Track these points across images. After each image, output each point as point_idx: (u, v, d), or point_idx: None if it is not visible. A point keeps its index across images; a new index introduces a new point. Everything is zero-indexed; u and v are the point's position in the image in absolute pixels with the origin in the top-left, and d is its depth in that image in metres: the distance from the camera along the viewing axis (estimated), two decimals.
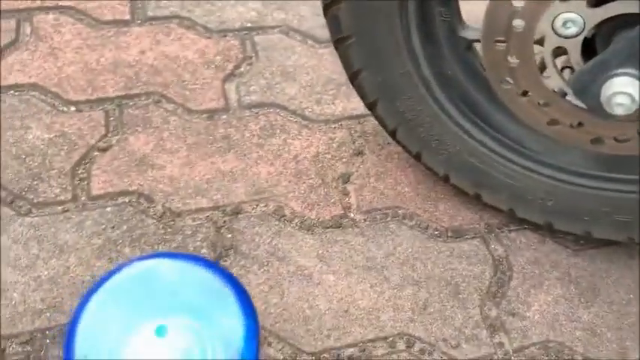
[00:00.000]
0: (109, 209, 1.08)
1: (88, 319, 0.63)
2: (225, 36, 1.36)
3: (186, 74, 1.28)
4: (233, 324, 0.63)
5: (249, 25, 1.39)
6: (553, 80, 0.87)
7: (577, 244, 1.10)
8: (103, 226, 1.05)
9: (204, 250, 1.04)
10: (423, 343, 0.97)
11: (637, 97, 0.76)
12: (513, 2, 0.80)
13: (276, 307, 0.99)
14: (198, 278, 0.66)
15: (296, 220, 1.10)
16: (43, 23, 1.34)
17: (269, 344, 0.94)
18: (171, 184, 1.12)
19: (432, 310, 1.01)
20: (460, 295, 1.03)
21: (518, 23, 0.81)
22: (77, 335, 0.61)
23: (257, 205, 1.11)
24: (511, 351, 0.98)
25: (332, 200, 1.13)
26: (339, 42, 0.97)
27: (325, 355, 0.95)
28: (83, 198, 1.08)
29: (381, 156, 1.20)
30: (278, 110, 1.25)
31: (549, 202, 1.04)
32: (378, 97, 1.02)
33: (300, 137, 1.21)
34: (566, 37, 0.80)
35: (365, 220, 1.11)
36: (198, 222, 1.08)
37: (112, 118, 1.20)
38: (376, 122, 1.09)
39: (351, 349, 0.96)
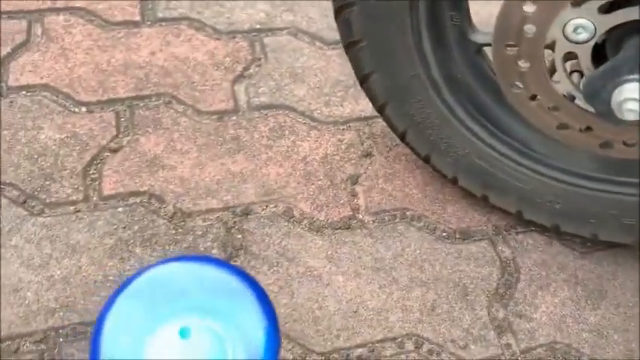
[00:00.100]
0: (120, 209, 1.09)
1: (113, 321, 0.64)
2: (235, 37, 1.37)
3: (196, 75, 1.29)
4: (253, 326, 0.64)
5: (258, 26, 1.40)
6: (562, 85, 0.88)
7: (584, 246, 1.11)
8: (115, 226, 1.06)
9: (214, 251, 1.05)
10: (432, 344, 0.98)
11: None
12: (524, 7, 0.81)
13: (285, 308, 1.00)
14: (218, 280, 0.67)
15: (305, 221, 1.11)
16: (54, 24, 1.35)
17: None
18: (182, 185, 1.13)
19: (440, 311, 1.02)
20: (468, 297, 1.04)
21: (529, 28, 0.82)
22: (103, 336, 0.62)
23: (267, 206, 1.12)
24: (518, 352, 0.99)
25: (341, 201, 1.14)
26: (349, 45, 0.98)
27: (335, 355, 0.96)
28: (95, 198, 1.10)
29: (390, 158, 1.21)
30: (287, 112, 1.26)
31: (557, 205, 1.05)
32: (388, 100, 1.03)
33: (308, 139, 1.22)
34: (577, 43, 0.81)
35: (373, 221, 1.12)
36: (209, 222, 1.09)
37: (122, 119, 1.21)
38: (384, 124, 1.10)
39: (361, 350, 0.97)
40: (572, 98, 0.90)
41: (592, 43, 0.81)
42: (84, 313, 0.97)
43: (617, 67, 0.79)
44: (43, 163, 1.13)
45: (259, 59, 1.34)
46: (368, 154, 1.21)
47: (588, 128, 0.91)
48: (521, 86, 0.91)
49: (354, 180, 1.17)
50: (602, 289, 1.07)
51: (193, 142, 1.19)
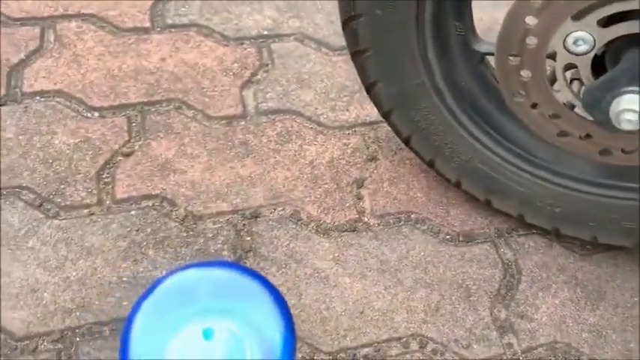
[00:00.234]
0: (133, 212, 1.12)
1: (140, 323, 0.68)
2: (243, 44, 1.40)
3: (206, 81, 1.32)
4: (270, 327, 0.67)
5: (265, 33, 1.43)
6: (563, 94, 0.91)
7: (584, 248, 1.14)
8: (128, 229, 1.10)
9: (224, 252, 1.08)
10: (436, 344, 1.01)
11: None
12: (527, 20, 0.84)
13: (294, 309, 1.03)
14: (236, 284, 0.70)
15: (312, 224, 1.14)
16: (67, 31, 1.38)
17: None
18: (193, 189, 1.16)
19: (443, 311, 1.05)
20: (471, 298, 1.07)
21: (531, 40, 0.85)
22: (132, 338, 0.66)
23: (275, 209, 1.15)
24: (520, 351, 1.02)
25: (347, 205, 1.17)
26: (356, 54, 1.01)
27: (342, 354, 0.99)
28: (108, 202, 1.13)
29: (394, 162, 1.24)
30: (294, 116, 1.29)
31: (557, 209, 1.08)
32: (394, 107, 1.06)
33: (315, 143, 1.25)
34: (577, 55, 0.84)
35: (379, 224, 1.15)
36: (219, 225, 1.12)
37: (134, 124, 1.24)
38: (389, 129, 1.13)
39: (367, 349, 1.00)
40: (572, 107, 0.93)
41: (592, 54, 0.84)
42: (99, 313, 1.00)
43: (616, 79, 0.82)
44: (57, 167, 1.16)
45: (267, 65, 1.37)
46: (373, 158, 1.24)
47: (588, 136, 0.94)
48: (523, 94, 0.93)
49: (360, 183, 1.20)
50: (601, 291, 1.09)
51: (203, 147, 1.22)
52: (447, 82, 1.01)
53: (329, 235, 1.13)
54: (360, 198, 1.18)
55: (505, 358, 1.01)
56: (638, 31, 0.80)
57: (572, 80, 0.93)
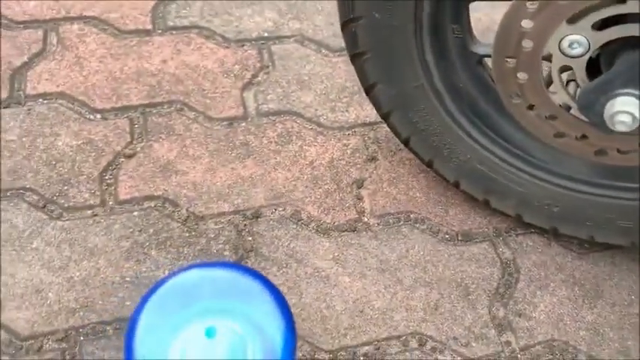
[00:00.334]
0: (135, 213, 1.13)
1: (144, 323, 0.69)
2: (243, 45, 1.42)
3: (207, 83, 1.34)
4: (271, 326, 0.69)
5: (265, 34, 1.44)
6: (559, 95, 0.92)
7: (581, 247, 1.15)
8: (131, 230, 1.11)
9: (226, 252, 1.10)
10: (435, 342, 1.03)
11: (638, 116, 0.81)
12: (523, 24, 0.85)
13: (294, 308, 1.04)
14: (238, 284, 0.72)
15: (313, 224, 1.15)
16: (69, 33, 1.39)
17: None
18: (195, 189, 1.17)
19: (442, 310, 1.06)
20: (470, 296, 1.08)
21: (527, 43, 0.86)
22: (136, 337, 0.67)
23: (275, 210, 1.17)
24: (518, 349, 1.03)
25: (347, 205, 1.18)
26: (355, 57, 1.02)
27: (342, 352, 1.00)
28: (111, 203, 1.14)
29: (394, 162, 1.25)
30: (294, 118, 1.30)
31: (555, 208, 1.09)
32: (393, 109, 1.07)
33: (315, 144, 1.26)
34: (572, 57, 0.85)
35: (378, 224, 1.16)
36: (221, 225, 1.13)
37: (136, 126, 1.25)
38: (388, 129, 1.14)
39: (367, 348, 1.01)
40: (568, 108, 0.94)
41: (586, 57, 0.85)
42: (103, 313, 1.01)
43: (610, 81, 0.83)
44: (60, 168, 1.18)
45: (267, 67, 1.38)
46: (373, 159, 1.25)
47: (584, 136, 0.95)
48: (519, 96, 0.95)
49: (360, 184, 1.21)
50: (598, 289, 1.11)
51: (205, 148, 1.23)
52: (445, 84, 1.03)
53: (329, 234, 1.14)
54: (359, 198, 1.20)
55: (503, 356, 1.02)
56: (632, 34, 0.81)
57: (568, 82, 0.94)
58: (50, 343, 0.98)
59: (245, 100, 1.32)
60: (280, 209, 1.17)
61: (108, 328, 1.00)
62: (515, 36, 0.86)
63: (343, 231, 1.15)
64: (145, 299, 0.71)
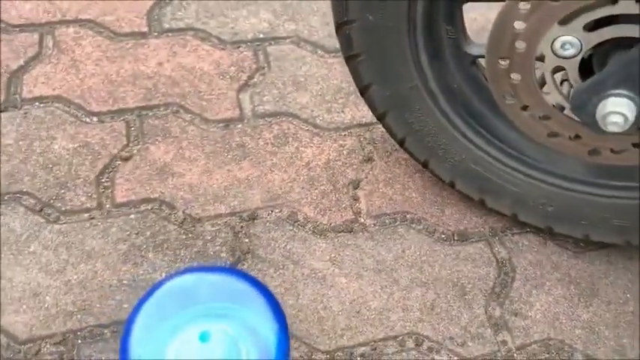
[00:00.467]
0: (132, 216, 1.14)
1: (139, 326, 0.70)
2: (239, 47, 1.42)
3: (203, 85, 1.34)
4: (265, 328, 0.69)
5: (261, 36, 1.44)
6: (552, 96, 0.92)
7: (577, 246, 1.16)
8: (128, 233, 1.11)
9: (223, 254, 1.10)
10: (431, 342, 1.03)
11: (630, 117, 0.81)
12: (515, 25, 0.85)
13: (291, 309, 1.05)
14: (232, 288, 0.73)
15: (309, 225, 1.16)
16: (65, 36, 1.40)
17: None
18: (191, 192, 1.18)
19: (439, 310, 1.07)
20: (466, 296, 1.09)
21: (520, 44, 0.87)
22: (131, 340, 0.68)
23: (272, 211, 1.17)
24: (514, 348, 1.03)
25: (343, 205, 1.19)
26: (350, 58, 1.03)
27: (339, 353, 1.01)
28: (108, 206, 1.14)
29: (390, 162, 1.25)
30: (290, 119, 1.30)
31: (550, 208, 1.09)
32: (388, 110, 1.07)
33: (311, 145, 1.27)
34: (565, 58, 0.86)
35: (375, 224, 1.17)
36: (217, 227, 1.14)
37: (132, 128, 1.26)
38: (384, 130, 1.15)
39: (363, 348, 1.02)
40: (562, 108, 0.94)
41: (579, 58, 0.86)
42: (100, 316, 1.02)
43: (602, 82, 0.83)
44: (57, 172, 1.18)
45: (263, 68, 1.39)
46: (369, 159, 1.26)
47: (577, 136, 0.96)
48: (513, 97, 0.95)
49: (356, 184, 1.22)
50: (594, 288, 1.11)
51: (201, 150, 1.24)
52: (439, 84, 1.03)
53: (325, 235, 1.14)
54: (356, 199, 1.20)
55: (500, 355, 1.02)
56: (624, 35, 0.81)
57: (562, 81, 0.94)
58: (48, 346, 0.98)
59: (241, 101, 1.32)
60: (277, 211, 1.17)
61: (105, 331, 1.00)
62: (508, 37, 0.87)
63: (339, 232, 1.15)
64: (141, 301, 0.72)
